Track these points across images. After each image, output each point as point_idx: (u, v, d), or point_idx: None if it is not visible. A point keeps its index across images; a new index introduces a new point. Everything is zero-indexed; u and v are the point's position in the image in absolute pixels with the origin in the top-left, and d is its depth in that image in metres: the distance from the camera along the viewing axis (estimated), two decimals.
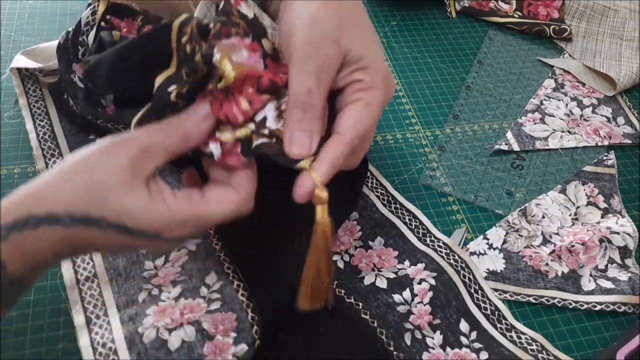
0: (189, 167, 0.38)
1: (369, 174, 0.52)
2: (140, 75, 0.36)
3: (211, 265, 0.43)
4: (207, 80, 0.34)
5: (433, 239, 0.49)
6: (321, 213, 0.34)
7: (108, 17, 0.45)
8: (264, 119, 0.34)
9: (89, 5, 0.46)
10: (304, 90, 0.33)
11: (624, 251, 0.50)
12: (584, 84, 0.66)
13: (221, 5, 0.34)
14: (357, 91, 0.35)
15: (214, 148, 0.34)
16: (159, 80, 0.34)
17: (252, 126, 0.34)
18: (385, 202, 0.51)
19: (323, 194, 0.33)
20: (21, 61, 0.54)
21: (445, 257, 0.47)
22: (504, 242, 0.50)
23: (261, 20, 0.36)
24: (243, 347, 0.38)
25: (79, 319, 0.40)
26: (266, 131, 0.34)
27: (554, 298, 0.47)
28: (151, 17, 0.46)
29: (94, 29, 0.45)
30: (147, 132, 0.33)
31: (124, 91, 0.39)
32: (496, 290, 0.47)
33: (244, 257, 0.44)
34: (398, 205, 0.51)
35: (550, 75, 0.67)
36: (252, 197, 0.34)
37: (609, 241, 0.50)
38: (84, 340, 0.39)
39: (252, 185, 0.34)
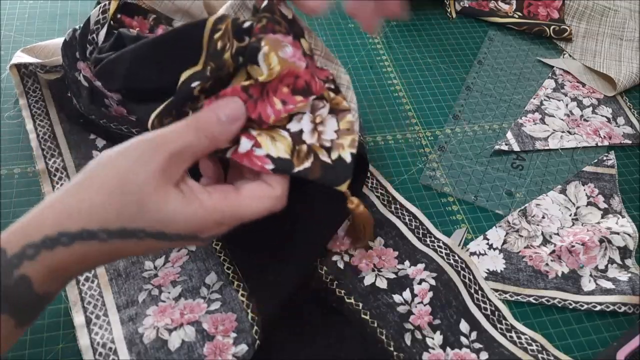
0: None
1: (368, 174, 0.52)
2: (165, 70, 0.36)
3: (211, 266, 0.43)
4: (230, 79, 0.34)
5: (433, 239, 0.49)
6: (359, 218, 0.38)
7: (119, 15, 0.45)
8: (301, 132, 0.34)
9: (98, 3, 0.46)
10: None
11: (624, 251, 0.50)
12: (584, 84, 0.66)
13: (264, 4, 0.34)
14: None
15: (246, 142, 0.33)
16: (184, 75, 0.33)
17: (285, 134, 0.34)
18: (385, 203, 0.51)
19: (359, 209, 0.37)
20: (22, 57, 0.53)
21: (445, 257, 0.47)
22: (504, 242, 0.50)
23: (298, 22, 0.37)
24: (243, 348, 0.38)
25: (79, 319, 0.40)
26: (304, 147, 0.34)
27: (554, 298, 0.47)
28: (162, 17, 0.46)
29: (105, 27, 0.45)
30: (176, 134, 0.31)
31: (143, 86, 0.38)
32: (496, 290, 0.47)
33: (243, 258, 0.44)
34: (398, 206, 0.51)
35: (550, 75, 0.67)
36: (286, 193, 0.33)
37: (609, 241, 0.50)
38: (84, 340, 0.39)
39: (287, 181, 0.34)
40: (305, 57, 0.35)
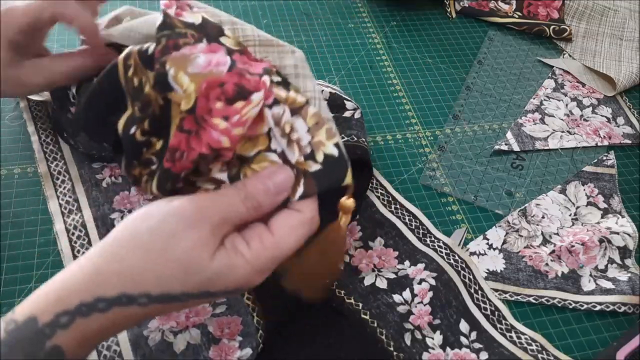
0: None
1: None
2: (109, 120, 0.34)
3: None
4: (163, 111, 0.31)
5: (433, 239, 0.49)
6: (345, 220, 0.34)
7: None
8: (282, 152, 0.32)
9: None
10: None
11: (623, 251, 0.50)
12: (583, 84, 0.66)
13: (159, 22, 0.31)
14: None
15: (222, 175, 0.31)
16: (120, 125, 0.32)
17: (275, 157, 0.31)
18: (386, 203, 0.51)
19: (349, 202, 0.33)
20: None
21: (445, 257, 0.47)
22: (504, 242, 0.50)
23: (214, 20, 0.33)
24: (248, 351, 0.39)
25: None
26: (295, 171, 0.32)
27: (553, 298, 0.47)
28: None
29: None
30: (225, 204, 0.30)
31: (102, 140, 0.37)
32: (496, 290, 0.47)
33: None
34: (398, 206, 0.51)
35: (550, 75, 0.67)
36: (317, 213, 0.32)
37: (609, 241, 0.50)
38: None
39: (314, 201, 0.32)
40: (234, 54, 0.31)
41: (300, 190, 0.31)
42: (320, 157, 0.32)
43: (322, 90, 0.48)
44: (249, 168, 0.31)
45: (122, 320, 0.27)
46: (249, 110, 0.30)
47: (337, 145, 0.32)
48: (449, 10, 0.73)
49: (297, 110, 0.32)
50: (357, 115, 0.51)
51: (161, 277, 0.27)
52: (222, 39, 0.32)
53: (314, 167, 0.32)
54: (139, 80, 0.31)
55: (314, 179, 0.32)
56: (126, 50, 0.32)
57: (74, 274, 0.27)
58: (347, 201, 0.33)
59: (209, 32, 0.31)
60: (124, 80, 0.32)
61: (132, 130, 0.31)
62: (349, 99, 0.51)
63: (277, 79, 0.32)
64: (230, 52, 0.31)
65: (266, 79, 0.31)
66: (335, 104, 0.49)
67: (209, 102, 0.29)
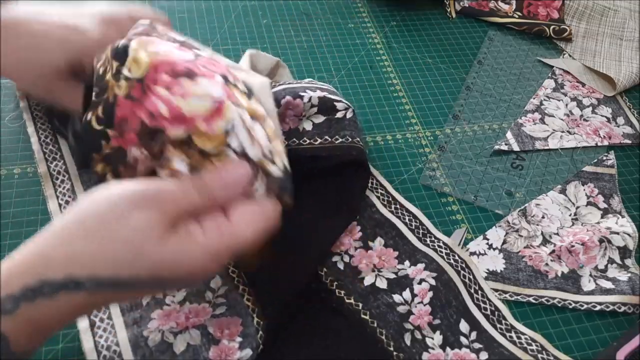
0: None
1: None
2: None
3: None
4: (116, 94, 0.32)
5: (433, 239, 0.49)
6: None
7: None
8: (243, 148, 0.32)
9: None
10: None
11: (623, 251, 0.50)
12: (583, 84, 0.66)
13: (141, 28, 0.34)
14: None
15: (181, 165, 0.32)
16: (82, 112, 0.33)
17: (232, 154, 0.32)
18: (385, 203, 0.51)
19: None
20: None
21: (445, 257, 0.47)
22: (504, 242, 0.50)
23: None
24: (248, 352, 0.39)
25: (82, 322, 0.40)
26: (255, 169, 0.32)
27: (553, 298, 0.47)
28: None
29: None
30: (181, 194, 0.30)
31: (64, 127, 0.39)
32: (496, 290, 0.47)
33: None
34: (398, 206, 0.51)
35: (550, 75, 0.67)
36: (278, 207, 0.32)
37: (609, 241, 0.50)
38: (88, 344, 0.39)
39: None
40: (200, 58, 0.32)
41: (260, 188, 0.32)
42: (280, 164, 0.33)
43: (310, 97, 0.48)
44: (209, 162, 0.32)
45: (71, 308, 0.26)
46: (193, 87, 0.31)
47: (287, 161, 0.34)
48: (449, 10, 0.73)
49: (256, 117, 0.33)
50: (349, 115, 0.50)
51: (109, 259, 0.26)
52: (200, 50, 0.33)
53: (276, 171, 0.33)
54: (103, 69, 0.32)
55: (278, 183, 0.33)
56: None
57: (20, 257, 0.26)
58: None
59: (192, 45, 0.34)
60: (95, 73, 0.33)
61: (89, 116, 0.32)
62: (339, 99, 0.50)
63: (241, 87, 0.33)
64: (197, 56, 0.32)
65: (219, 79, 0.32)
66: (325, 107, 0.49)
67: (157, 73, 0.31)
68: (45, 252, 0.26)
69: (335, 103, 0.49)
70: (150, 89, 0.31)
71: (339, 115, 0.49)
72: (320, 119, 0.49)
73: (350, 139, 0.49)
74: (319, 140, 0.48)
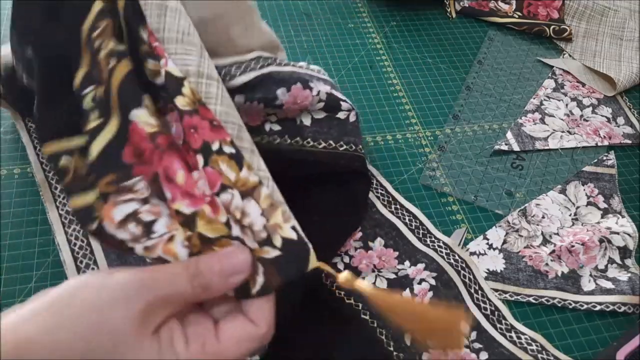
0: None
1: (369, 174, 0.52)
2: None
3: None
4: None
5: (433, 239, 0.49)
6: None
7: None
8: (239, 239, 0.29)
9: None
10: None
11: (623, 251, 0.50)
12: (584, 84, 0.66)
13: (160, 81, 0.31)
14: None
15: (180, 249, 0.29)
16: (77, 80, 0.30)
17: (236, 231, 0.29)
18: (386, 203, 0.51)
19: (350, 283, 0.30)
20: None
21: (445, 257, 0.47)
22: (504, 242, 0.50)
23: (180, 71, 0.30)
24: (256, 359, 0.39)
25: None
26: (260, 246, 0.29)
27: (553, 298, 0.47)
28: None
29: None
30: (168, 278, 0.27)
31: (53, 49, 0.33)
32: (496, 290, 0.47)
33: None
34: (398, 206, 0.51)
35: (550, 75, 0.67)
36: (272, 328, 0.29)
37: (609, 241, 0.50)
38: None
39: (272, 313, 0.29)
40: (183, 118, 0.29)
41: (260, 280, 0.28)
42: (278, 242, 0.29)
43: (319, 91, 0.46)
44: (209, 249, 0.29)
45: None
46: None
47: (294, 228, 0.29)
48: (449, 10, 0.73)
49: (248, 192, 0.29)
50: (352, 117, 0.48)
51: (87, 354, 0.25)
52: (178, 99, 0.29)
53: (273, 253, 0.29)
54: (99, 44, 0.30)
55: (274, 267, 0.29)
56: (97, 9, 0.30)
57: (8, 335, 0.25)
58: (342, 276, 0.30)
59: (169, 91, 0.30)
60: (86, 37, 0.30)
61: (87, 90, 0.29)
62: (344, 99, 0.49)
63: (230, 150, 0.29)
64: (182, 115, 0.29)
65: (200, 158, 0.29)
66: (331, 105, 0.47)
67: (202, 120, 0.29)
68: (30, 337, 0.25)
69: (341, 102, 0.48)
70: (174, 149, 0.29)
71: (341, 115, 0.48)
72: (321, 114, 0.47)
73: (354, 147, 0.48)
74: (323, 144, 0.47)
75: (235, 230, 0.29)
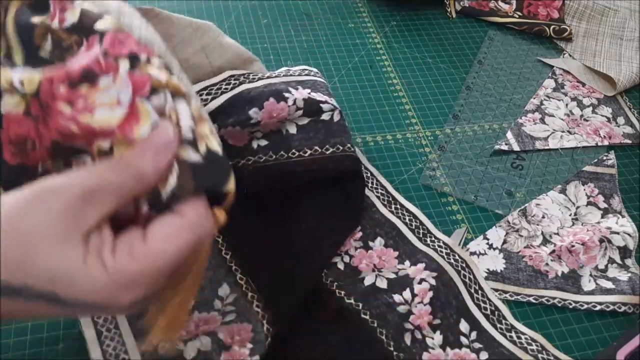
0: None
1: (368, 174, 0.52)
2: None
3: (222, 276, 0.43)
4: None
5: (433, 239, 0.49)
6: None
7: None
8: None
9: None
10: None
11: (624, 251, 0.50)
12: (584, 84, 0.66)
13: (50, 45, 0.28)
14: None
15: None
16: None
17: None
18: (386, 203, 0.51)
19: (221, 215, 0.28)
20: None
21: (445, 257, 0.47)
22: (504, 242, 0.50)
23: (97, 11, 0.28)
24: (257, 359, 0.39)
25: (89, 333, 0.39)
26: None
27: (554, 298, 0.47)
28: None
29: None
30: (90, 171, 0.25)
31: None
32: (496, 290, 0.47)
33: (255, 270, 0.43)
34: (398, 206, 0.51)
35: (550, 75, 0.67)
36: (206, 215, 0.26)
37: (609, 241, 0.50)
38: (95, 354, 0.38)
39: (202, 204, 0.26)
40: (106, 35, 0.27)
41: (172, 181, 0.26)
42: (202, 148, 0.27)
43: (295, 99, 0.45)
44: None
45: None
46: (96, 96, 0.26)
47: (219, 145, 0.28)
48: (449, 10, 0.73)
49: (179, 94, 0.28)
50: (336, 117, 0.47)
51: (6, 262, 0.22)
52: (98, 23, 0.27)
53: (194, 157, 0.27)
54: None
55: (191, 171, 0.27)
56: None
57: None
58: (219, 212, 0.28)
59: (85, 25, 0.28)
60: None
61: None
62: (324, 99, 0.47)
63: (159, 62, 0.28)
64: (102, 34, 0.27)
65: (125, 66, 0.27)
66: (310, 109, 0.46)
67: (52, 85, 0.26)
68: None
69: (321, 105, 0.47)
70: (50, 108, 0.26)
71: (325, 117, 0.47)
72: (304, 120, 0.46)
73: (341, 147, 0.47)
74: (309, 152, 0.46)
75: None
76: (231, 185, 0.27)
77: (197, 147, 0.27)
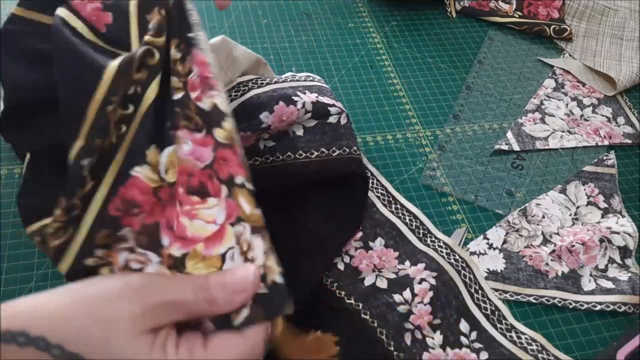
0: None
1: (369, 174, 0.52)
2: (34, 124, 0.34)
3: None
4: (111, 148, 0.32)
5: (433, 239, 0.49)
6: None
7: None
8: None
9: None
10: None
11: (624, 251, 0.50)
12: (584, 84, 0.66)
13: (179, 96, 0.32)
14: None
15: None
16: (72, 154, 0.31)
17: (228, 266, 0.30)
18: (386, 203, 0.51)
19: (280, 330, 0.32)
20: None
21: (445, 257, 0.47)
22: (504, 242, 0.50)
23: (222, 108, 0.32)
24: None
25: None
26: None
27: (554, 298, 0.47)
28: None
29: None
30: (172, 286, 0.29)
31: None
32: (496, 290, 0.47)
33: None
34: (398, 206, 0.51)
35: (550, 75, 0.67)
36: (261, 343, 0.30)
37: (609, 241, 0.50)
38: None
39: (261, 330, 0.30)
40: (219, 150, 0.31)
41: (244, 312, 0.29)
42: (269, 281, 0.30)
43: (304, 103, 0.46)
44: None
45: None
46: (201, 209, 0.31)
47: (281, 274, 0.31)
48: (449, 10, 0.73)
49: (257, 229, 0.31)
50: (343, 120, 0.48)
51: (82, 336, 0.26)
52: (217, 131, 0.31)
53: (262, 290, 0.30)
54: (110, 119, 0.31)
55: (262, 303, 0.30)
56: (111, 75, 0.31)
57: (19, 307, 0.27)
58: (278, 329, 0.31)
59: (212, 120, 0.32)
60: (97, 112, 0.31)
61: (85, 162, 0.30)
62: (332, 102, 0.48)
63: (250, 187, 0.31)
64: (217, 146, 0.31)
65: (225, 191, 0.31)
66: (318, 112, 0.47)
67: (178, 183, 0.31)
68: (36, 311, 0.27)
69: (329, 108, 0.48)
70: (174, 200, 0.31)
71: (332, 120, 0.48)
72: (312, 123, 0.48)
73: (347, 150, 0.47)
74: (315, 154, 0.46)
75: (228, 265, 0.30)
76: (291, 308, 0.30)
77: (266, 281, 0.30)
